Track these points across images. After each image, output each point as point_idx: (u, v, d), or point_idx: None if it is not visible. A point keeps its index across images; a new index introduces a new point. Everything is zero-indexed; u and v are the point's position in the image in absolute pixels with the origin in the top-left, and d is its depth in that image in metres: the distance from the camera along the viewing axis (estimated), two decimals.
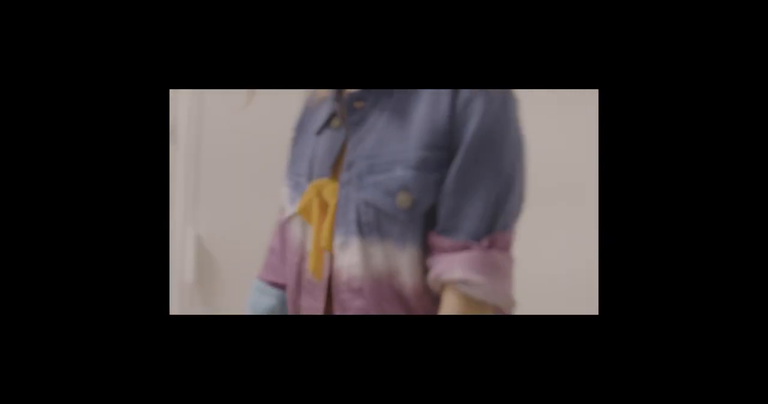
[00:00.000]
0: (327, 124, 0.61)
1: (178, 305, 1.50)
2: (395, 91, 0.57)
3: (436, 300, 0.52)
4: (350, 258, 0.54)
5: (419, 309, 0.53)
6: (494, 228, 0.50)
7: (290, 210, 0.60)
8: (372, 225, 0.52)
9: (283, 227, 0.64)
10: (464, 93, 0.53)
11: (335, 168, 0.57)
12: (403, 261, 0.52)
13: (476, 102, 0.52)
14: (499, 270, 0.51)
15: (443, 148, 0.52)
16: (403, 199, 0.51)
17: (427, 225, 0.52)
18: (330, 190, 0.55)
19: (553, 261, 1.62)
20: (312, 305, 0.58)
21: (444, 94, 0.53)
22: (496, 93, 0.54)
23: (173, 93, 1.12)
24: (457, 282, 0.48)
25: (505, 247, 0.52)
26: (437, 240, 0.51)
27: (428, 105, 0.54)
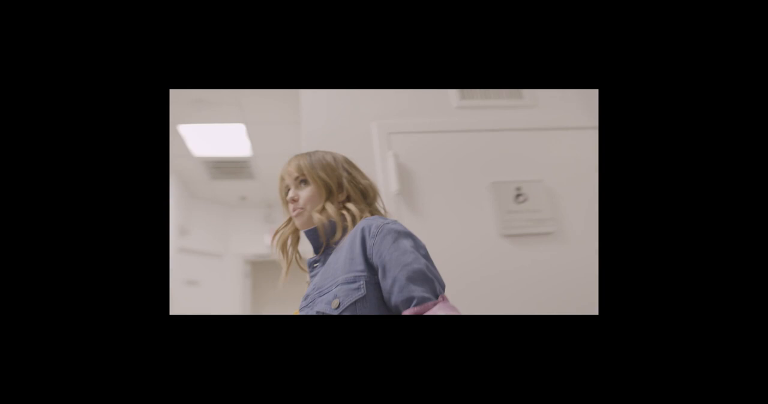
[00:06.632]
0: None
1: (393, 211, 1.62)
2: (333, 250, 0.92)
3: None
4: None
5: None
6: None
7: None
8: None
9: None
10: (368, 239, 0.83)
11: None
12: None
13: (379, 240, 0.82)
14: (456, 310, 0.75)
15: (362, 270, 0.81)
16: (335, 303, 0.80)
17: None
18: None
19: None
20: None
21: (356, 244, 0.84)
22: (383, 230, 0.83)
23: None
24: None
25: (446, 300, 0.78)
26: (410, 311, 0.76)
27: (347, 252, 0.85)
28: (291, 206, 0.97)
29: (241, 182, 4.56)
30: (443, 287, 0.79)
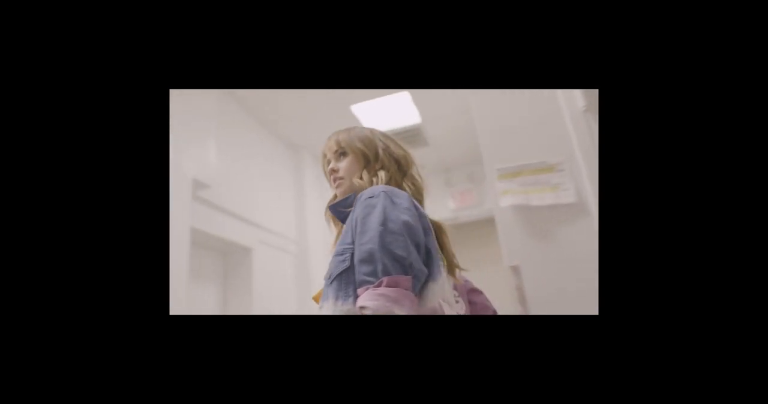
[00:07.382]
0: None
1: (574, 131, 1.56)
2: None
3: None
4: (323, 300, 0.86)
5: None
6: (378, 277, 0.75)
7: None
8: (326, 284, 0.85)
9: None
10: (353, 212, 0.86)
11: None
12: (330, 293, 0.81)
13: (356, 214, 0.84)
14: (385, 297, 0.71)
15: (350, 242, 0.82)
16: (327, 274, 0.84)
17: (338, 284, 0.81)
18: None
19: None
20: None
21: (351, 216, 0.86)
22: (362, 204, 0.85)
23: None
24: (359, 307, 0.74)
25: (393, 285, 0.73)
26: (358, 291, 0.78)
27: (347, 224, 0.87)
28: (332, 177, 1.03)
29: (417, 150, 4.63)
30: (403, 266, 0.75)
